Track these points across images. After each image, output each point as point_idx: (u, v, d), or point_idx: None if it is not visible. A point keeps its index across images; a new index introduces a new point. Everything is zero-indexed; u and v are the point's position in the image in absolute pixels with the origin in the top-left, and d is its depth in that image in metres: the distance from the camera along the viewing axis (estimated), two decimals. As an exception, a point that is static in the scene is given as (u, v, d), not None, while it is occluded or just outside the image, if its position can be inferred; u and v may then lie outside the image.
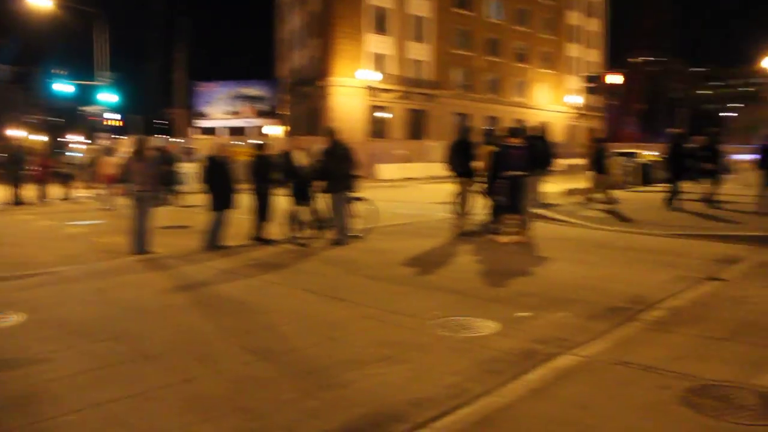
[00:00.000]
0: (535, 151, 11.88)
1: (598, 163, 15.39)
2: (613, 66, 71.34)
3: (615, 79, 22.28)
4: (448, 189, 12.14)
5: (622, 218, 13.09)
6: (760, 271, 8.03)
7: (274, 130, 50.75)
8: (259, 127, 51.19)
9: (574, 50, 63.81)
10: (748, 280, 7.47)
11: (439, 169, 15.41)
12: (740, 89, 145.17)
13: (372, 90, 45.84)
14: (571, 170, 26.85)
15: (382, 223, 11.92)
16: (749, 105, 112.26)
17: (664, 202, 14.79)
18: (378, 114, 47.08)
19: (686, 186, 14.88)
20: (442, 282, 7.60)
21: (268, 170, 10.80)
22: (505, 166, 10.26)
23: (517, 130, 10.81)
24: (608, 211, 14.22)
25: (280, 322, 5.94)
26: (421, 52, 49.28)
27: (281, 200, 11.00)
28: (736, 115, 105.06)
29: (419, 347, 5.16)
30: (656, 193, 16.61)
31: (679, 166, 14.87)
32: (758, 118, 53.51)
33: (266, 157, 10.96)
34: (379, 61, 46.83)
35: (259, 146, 11.19)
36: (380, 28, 47.12)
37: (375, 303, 6.59)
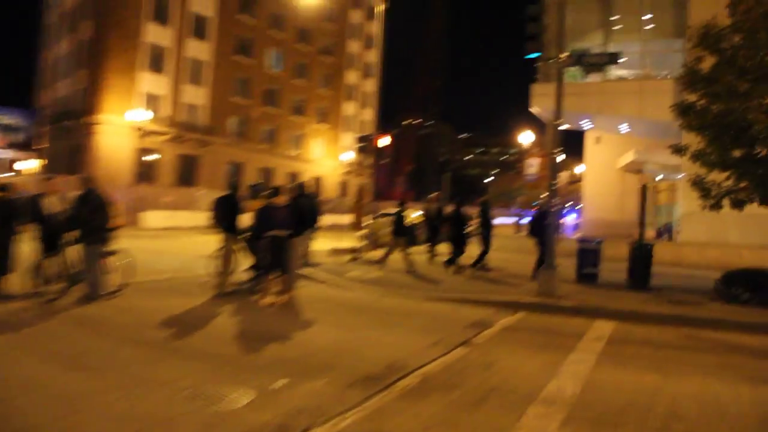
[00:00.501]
0: (301, 209, 12.18)
1: (397, 224, 16.07)
2: (385, 126, 76.55)
3: (385, 141, 23.93)
4: (216, 242, 11.87)
5: (393, 281, 13.78)
6: (506, 336, 8.93)
7: (29, 165, 45.65)
8: (11, 161, 45.67)
9: (350, 108, 67.32)
10: (496, 345, 8.25)
11: (209, 219, 15.02)
12: (500, 158, 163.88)
13: (142, 131, 43.64)
14: (342, 228, 27.86)
15: (140, 278, 11.26)
16: (507, 172, 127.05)
17: (431, 262, 15.95)
18: (147, 157, 44.82)
19: (444, 248, 16.23)
20: (199, 347, 7.34)
21: (10, 215, 9.66)
22: (268, 225, 10.32)
23: (279, 189, 10.98)
24: (410, 272, 14.89)
25: (14, 395, 5.28)
26: (197, 95, 48.31)
27: (26, 248, 9.90)
28: (492, 180, 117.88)
29: (167, 423, 4.90)
30: (421, 254, 17.83)
31: (435, 230, 16.29)
32: (515, 186, 60.48)
33: (9, 201, 9.81)
34: (151, 101, 44.87)
35: (2, 187, 9.97)
36: (156, 66, 45.34)
37: (124, 371, 6.15)
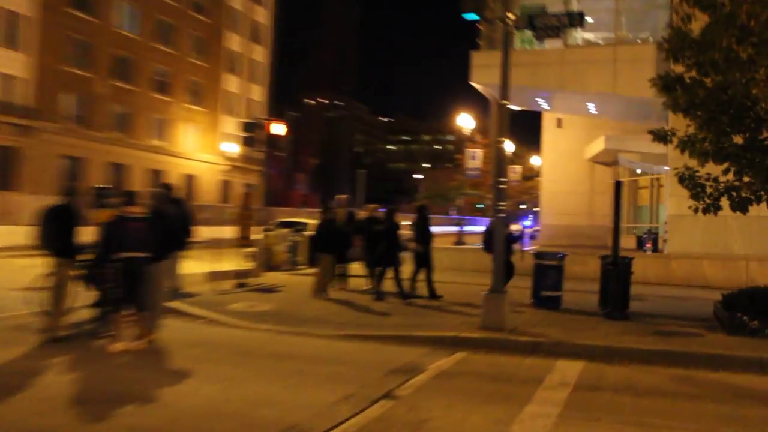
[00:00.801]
0: (167, 221, 11.86)
1: (326, 237, 16.11)
2: (281, 108, 76.29)
3: (280, 128, 23.55)
4: (44, 268, 11.35)
5: (294, 313, 13.66)
6: (441, 384, 8.93)
7: None
8: None
9: (233, 83, 66.73)
10: (429, 397, 8.22)
11: (34, 236, 14.39)
12: (434, 148, 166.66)
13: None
14: (223, 244, 27.38)
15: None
16: (443, 167, 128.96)
17: (342, 287, 15.90)
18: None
19: (358, 268, 16.22)
20: (17, 418, 6.96)
21: None
22: (119, 244, 9.98)
23: (135, 195, 10.67)
24: (321, 297, 14.70)
25: None
26: (14, 64, 46.43)
27: None
28: (422, 177, 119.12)
29: None
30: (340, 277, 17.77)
31: (343, 243, 16.37)
32: (453, 184, 61.03)
33: None
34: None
35: None
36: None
37: None
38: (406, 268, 16.22)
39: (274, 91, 74.48)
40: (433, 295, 15.89)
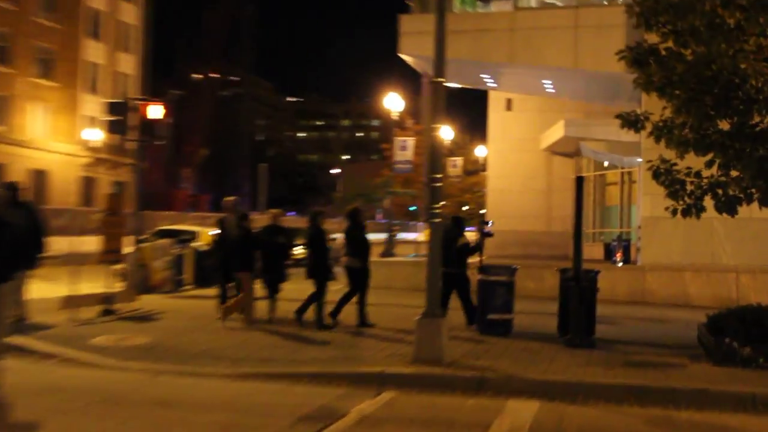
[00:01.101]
0: (11, 233, 11.57)
1: (245, 252, 16.00)
2: (160, 84, 75.38)
3: (158, 111, 23.04)
4: None
5: (179, 346, 13.58)
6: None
7: None
8: None
9: (96, 52, 65.57)
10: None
11: None
12: (355, 136, 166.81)
13: None
14: (84, 259, 26.95)
15: None
16: (367, 159, 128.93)
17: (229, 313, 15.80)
18: None
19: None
20: None
21: None
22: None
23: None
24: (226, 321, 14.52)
25: None
26: None
27: None
28: (341, 172, 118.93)
29: None
30: (217, 298, 17.73)
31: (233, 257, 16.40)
32: (379, 180, 60.78)
33: None
34: None
35: None
36: None
37: None
38: (335, 287, 16.31)
39: (151, 62, 73.38)
40: (364, 322, 15.97)
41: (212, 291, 18.57)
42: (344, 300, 16.07)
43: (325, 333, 15.24)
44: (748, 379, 11.42)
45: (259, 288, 16.83)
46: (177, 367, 12.08)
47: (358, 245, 16.25)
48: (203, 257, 23.99)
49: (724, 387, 10.99)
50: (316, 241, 16.18)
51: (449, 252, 15.07)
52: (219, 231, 17.93)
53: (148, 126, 23.35)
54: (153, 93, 58.52)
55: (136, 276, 19.87)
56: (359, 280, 16.10)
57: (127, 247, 20.26)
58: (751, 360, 12.29)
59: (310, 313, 15.87)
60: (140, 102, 24.07)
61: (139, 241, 22.00)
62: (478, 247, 16.65)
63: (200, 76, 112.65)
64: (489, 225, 17.28)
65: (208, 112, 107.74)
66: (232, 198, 19.52)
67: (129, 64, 70.19)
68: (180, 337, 14.34)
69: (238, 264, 16.33)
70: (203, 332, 15.05)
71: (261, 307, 16.57)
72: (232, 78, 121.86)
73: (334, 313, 15.93)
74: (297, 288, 16.93)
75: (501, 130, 43.86)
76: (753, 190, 13.13)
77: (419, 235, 52.41)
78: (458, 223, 17.15)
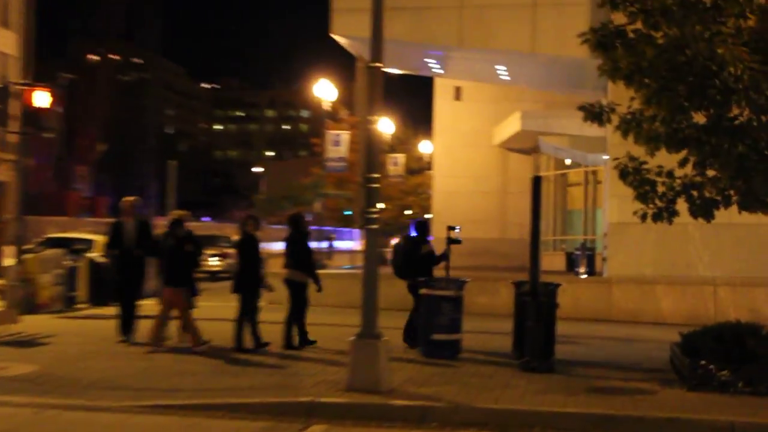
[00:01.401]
0: None
1: (176, 261, 15.90)
2: (47, 66, 74.51)
3: (44, 98, 22.79)
4: None
5: (71, 374, 13.41)
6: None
7: None
8: None
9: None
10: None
11: None
12: (281, 128, 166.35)
13: None
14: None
15: None
16: (294, 156, 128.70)
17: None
18: None
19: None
20: None
21: None
22: None
23: None
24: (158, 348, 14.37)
25: None
26: None
27: None
28: (264, 170, 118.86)
29: None
30: (115, 318, 17.56)
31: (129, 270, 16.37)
32: (308, 180, 60.62)
33: None
34: None
35: None
36: None
37: None
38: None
39: (37, 41, 72.43)
40: (305, 340, 16.16)
41: (111, 310, 18.36)
42: (292, 320, 16.13)
43: (247, 355, 15.24)
44: (726, 406, 11.52)
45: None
46: (67, 400, 11.83)
47: (301, 256, 16.28)
48: (100, 270, 23.67)
49: (700, 415, 11.08)
50: (247, 249, 16.13)
51: (412, 260, 15.17)
52: (111, 238, 17.61)
53: (33, 115, 23.09)
54: (40, 77, 58.02)
55: (18, 293, 19.62)
56: (303, 296, 16.20)
57: (8, 259, 20.07)
58: (729, 385, 12.38)
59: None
60: (23, 87, 23.82)
61: (22, 252, 21.67)
62: (444, 256, 16.75)
63: (97, 58, 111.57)
64: (456, 230, 17.31)
65: (107, 100, 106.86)
66: (131, 198, 18.86)
67: (9, 41, 69.10)
68: (72, 365, 14.14)
69: (174, 278, 16.13)
70: (100, 358, 14.87)
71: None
72: (135, 60, 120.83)
73: (302, 339, 16.15)
74: (211, 306, 16.87)
75: (449, 123, 43.89)
76: (731, 192, 13.25)
77: (356, 243, 52.39)
78: (422, 229, 17.25)
